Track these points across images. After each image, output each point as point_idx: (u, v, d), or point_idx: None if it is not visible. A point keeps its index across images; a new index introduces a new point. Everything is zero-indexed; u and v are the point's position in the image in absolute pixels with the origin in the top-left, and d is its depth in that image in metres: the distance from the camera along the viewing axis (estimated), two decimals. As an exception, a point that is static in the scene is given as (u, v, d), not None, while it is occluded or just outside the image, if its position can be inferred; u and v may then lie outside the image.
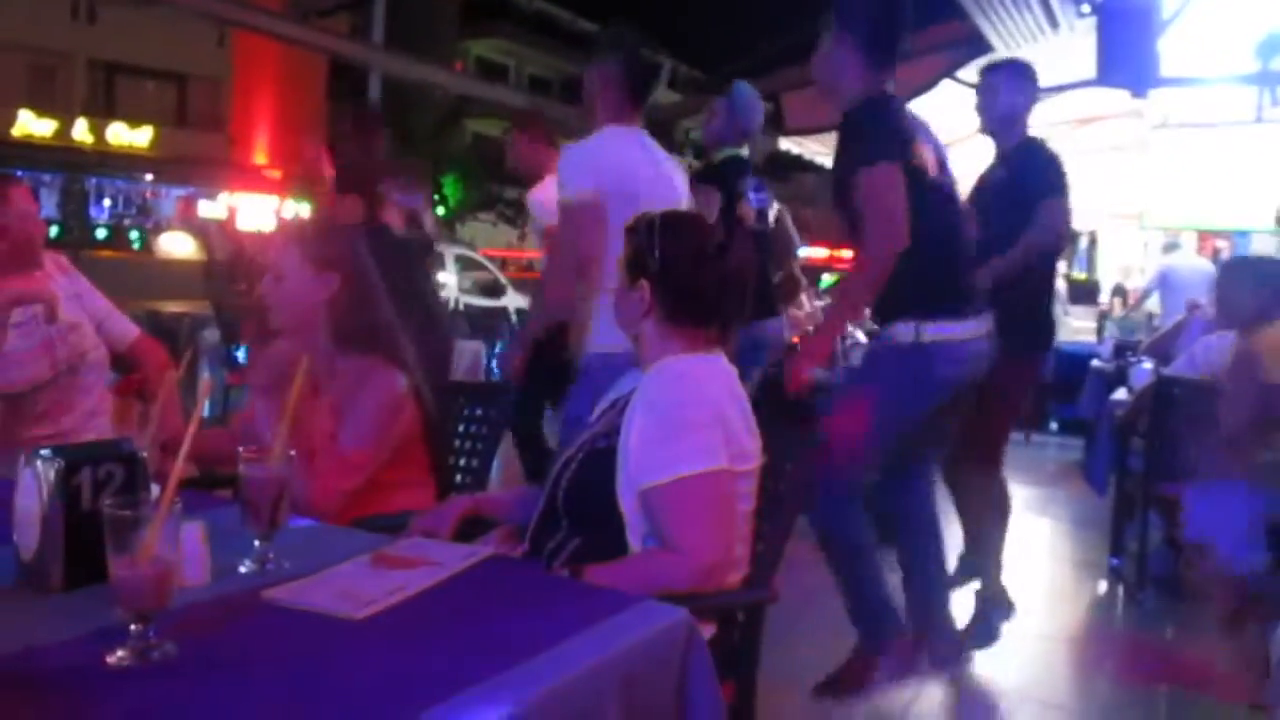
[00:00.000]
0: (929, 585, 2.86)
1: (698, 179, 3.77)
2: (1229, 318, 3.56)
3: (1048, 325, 3.41)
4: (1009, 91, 3.33)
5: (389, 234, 3.53)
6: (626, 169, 2.69)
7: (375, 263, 2.09)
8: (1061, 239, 3.33)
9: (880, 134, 2.52)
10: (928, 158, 2.57)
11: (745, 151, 4.02)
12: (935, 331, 2.53)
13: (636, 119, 2.82)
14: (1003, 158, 3.37)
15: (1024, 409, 3.50)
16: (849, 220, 2.60)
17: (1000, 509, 3.39)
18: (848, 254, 2.96)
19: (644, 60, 2.82)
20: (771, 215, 4.10)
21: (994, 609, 3.26)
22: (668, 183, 2.80)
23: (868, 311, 2.83)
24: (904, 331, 2.55)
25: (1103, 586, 4.17)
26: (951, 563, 3.23)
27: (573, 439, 1.77)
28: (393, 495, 1.98)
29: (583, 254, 2.66)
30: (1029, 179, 3.22)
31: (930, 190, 2.53)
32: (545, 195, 3.66)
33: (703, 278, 1.69)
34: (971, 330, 2.61)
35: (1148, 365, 4.55)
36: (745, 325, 3.54)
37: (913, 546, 2.86)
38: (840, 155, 2.65)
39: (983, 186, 3.40)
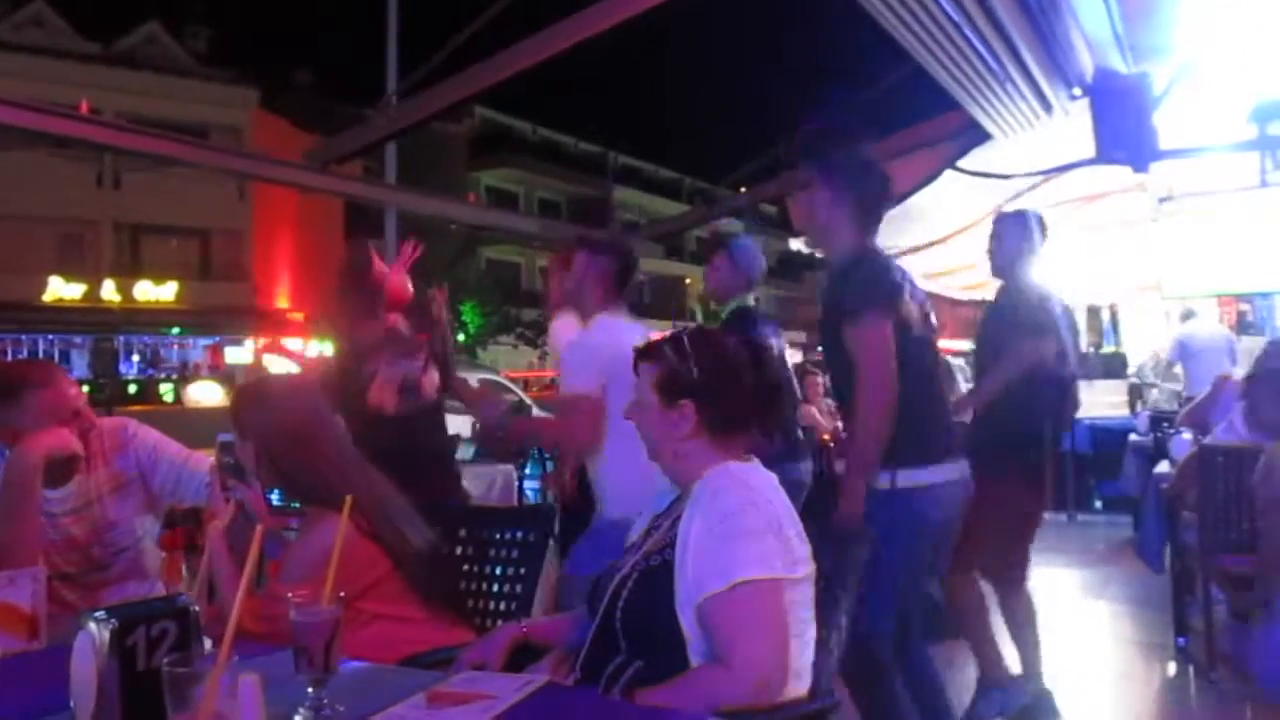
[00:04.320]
0: None
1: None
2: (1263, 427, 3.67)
3: (1013, 444, 3.39)
4: (1013, 238, 3.57)
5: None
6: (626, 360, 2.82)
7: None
8: (1028, 370, 3.39)
9: (870, 289, 2.64)
10: (912, 311, 2.69)
11: (752, 300, 4.05)
12: (909, 478, 2.57)
13: (622, 304, 3.14)
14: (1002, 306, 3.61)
15: (1012, 527, 3.45)
16: (836, 365, 2.77)
17: (1024, 617, 3.45)
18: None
19: (632, 256, 3.18)
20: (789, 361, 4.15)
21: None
22: None
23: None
24: (880, 479, 2.58)
25: (1172, 668, 4.02)
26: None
27: (619, 560, 1.75)
28: (398, 628, 1.96)
29: (587, 441, 2.90)
30: (1011, 320, 3.45)
31: (911, 344, 2.64)
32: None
33: (742, 387, 1.72)
34: (945, 474, 2.65)
35: (1187, 436, 4.50)
36: (774, 467, 3.60)
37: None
38: (829, 303, 2.77)
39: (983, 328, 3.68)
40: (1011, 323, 3.45)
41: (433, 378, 3.52)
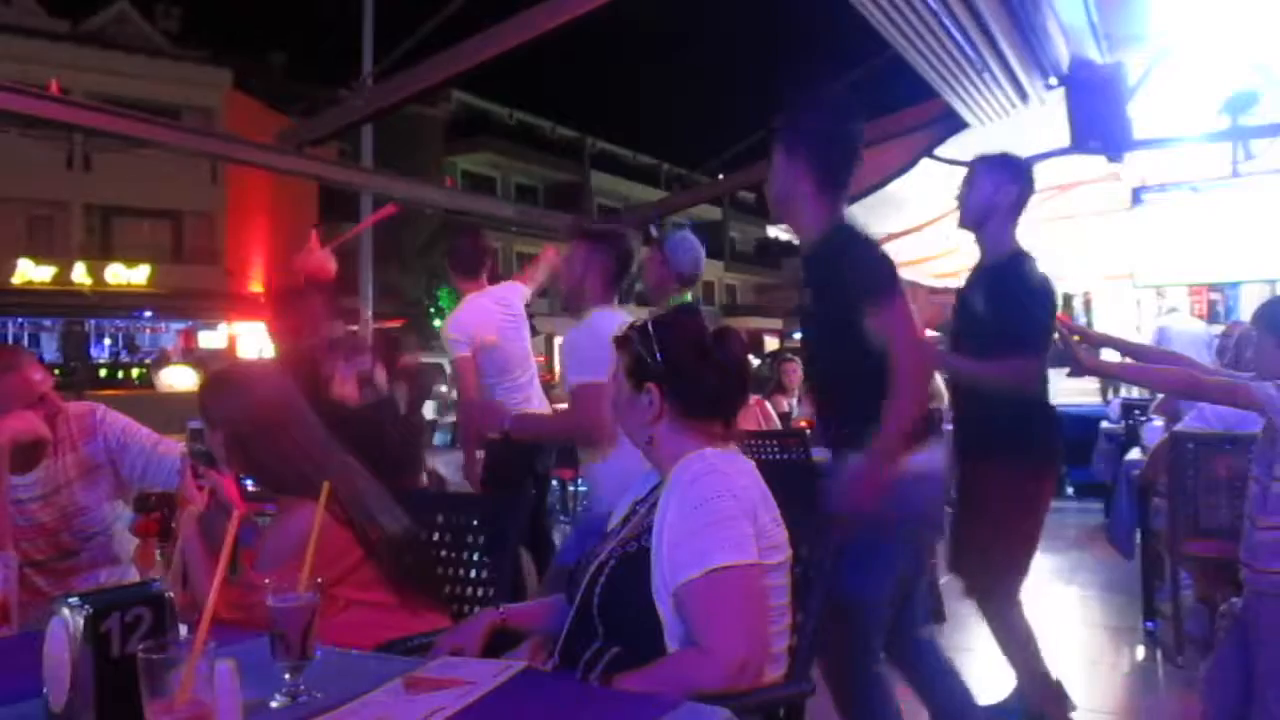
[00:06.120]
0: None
1: None
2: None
3: (1030, 437, 2.96)
4: (985, 183, 3.06)
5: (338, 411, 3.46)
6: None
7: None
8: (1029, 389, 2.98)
9: (876, 267, 2.44)
10: (903, 284, 2.50)
11: (689, 296, 3.94)
12: (915, 461, 2.40)
13: (616, 297, 3.10)
14: (982, 276, 3.11)
15: (1023, 528, 2.96)
16: (828, 352, 2.60)
17: (1022, 639, 3.04)
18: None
19: (628, 249, 3.10)
20: None
21: None
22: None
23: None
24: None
25: (1140, 652, 4.08)
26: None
27: (597, 546, 1.76)
28: (375, 614, 1.96)
29: (603, 428, 2.75)
30: (1007, 317, 2.91)
31: None
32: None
33: (708, 369, 1.73)
34: (937, 457, 2.53)
35: (1158, 423, 4.56)
36: None
37: (931, 693, 2.72)
38: (818, 285, 2.57)
39: (961, 307, 3.15)
40: (1014, 309, 2.89)
41: (381, 373, 3.76)
